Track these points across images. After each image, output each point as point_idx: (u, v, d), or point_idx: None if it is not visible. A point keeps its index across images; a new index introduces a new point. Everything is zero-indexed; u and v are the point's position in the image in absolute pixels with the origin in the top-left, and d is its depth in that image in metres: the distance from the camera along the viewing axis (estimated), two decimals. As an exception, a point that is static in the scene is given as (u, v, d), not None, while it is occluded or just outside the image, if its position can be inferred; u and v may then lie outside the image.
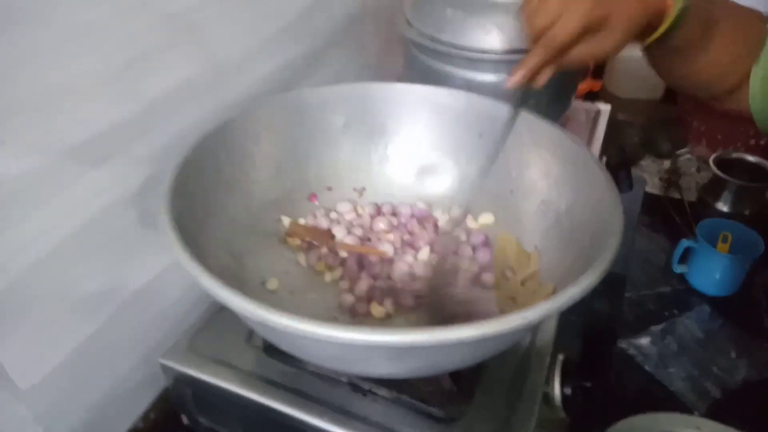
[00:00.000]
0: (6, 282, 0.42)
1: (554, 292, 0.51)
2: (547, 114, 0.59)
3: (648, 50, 0.51)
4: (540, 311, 0.36)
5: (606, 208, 0.46)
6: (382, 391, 0.50)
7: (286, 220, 0.61)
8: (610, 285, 0.79)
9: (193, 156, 0.50)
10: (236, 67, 0.61)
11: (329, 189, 0.65)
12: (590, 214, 0.49)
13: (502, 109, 0.54)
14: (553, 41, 0.44)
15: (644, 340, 0.77)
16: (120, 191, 0.50)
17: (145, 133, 0.51)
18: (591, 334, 0.69)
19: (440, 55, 0.71)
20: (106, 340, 0.52)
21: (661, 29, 0.46)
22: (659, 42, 0.48)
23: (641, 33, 0.48)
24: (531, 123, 0.57)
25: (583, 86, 1.33)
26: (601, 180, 0.49)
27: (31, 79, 0.40)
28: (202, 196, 0.50)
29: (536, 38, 0.46)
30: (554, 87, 0.72)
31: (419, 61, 0.74)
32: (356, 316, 0.53)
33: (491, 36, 0.67)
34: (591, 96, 1.35)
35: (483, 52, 0.67)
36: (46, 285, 0.45)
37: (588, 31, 0.44)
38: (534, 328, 0.56)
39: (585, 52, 0.45)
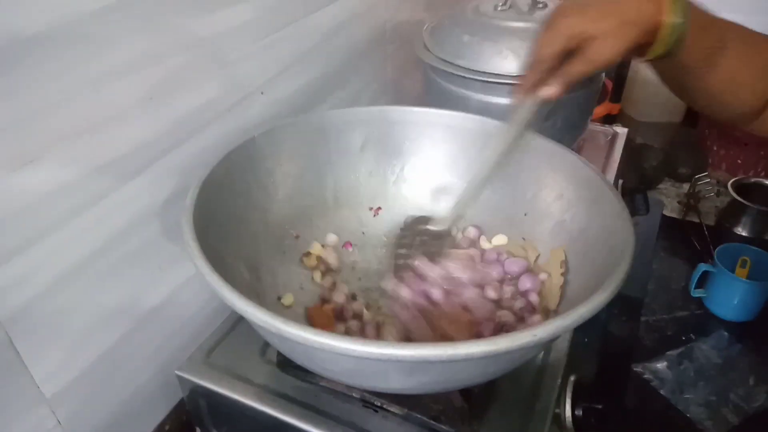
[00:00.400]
0: (34, 292, 0.43)
1: (565, 256, 0.55)
2: (561, 138, 0.60)
3: (654, 66, 0.51)
4: (550, 329, 0.36)
5: (618, 230, 0.46)
6: (394, 408, 0.50)
7: (315, 247, 0.62)
8: (627, 308, 0.78)
9: (216, 173, 0.51)
10: (258, 88, 0.63)
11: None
12: (603, 236, 0.50)
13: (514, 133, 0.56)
14: (540, 60, 0.49)
15: (661, 365, 0.76)
16: (145, 206, 0.52)
17: (170, 151, 0.53)
18: (606, 358, 0.68)
19: (457, 79, 0.73)
20: (125, 350, 0.53)
21: (655, 47, 0.47)
22: (661, 58, 0.48)
23: (638, 49, 0.48)
24: (544, 147, 0.58)
25: (602, 109, 1.33)
26: (613, 203, 0.50)
27: (70, 102, 0.42)
28: (223, 212, 0.52)
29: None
30: (568, 112, 0.74)
31: (437, 85, 0.76)
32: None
33: (506, 60, 0.69)
34: (609, 119, 1.35)
35: (498, 76, 0.69)
36: (72, 296, 0.47)
37: (574, 49, 0.47)
38: (545, 347, 0.56)
39: (577, 67, 0.48)
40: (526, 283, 0.56)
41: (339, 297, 0.57)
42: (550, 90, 0.50)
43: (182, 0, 0.50)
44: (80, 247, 0.47)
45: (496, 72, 0.69)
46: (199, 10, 0.52)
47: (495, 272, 0.58)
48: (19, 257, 0.42)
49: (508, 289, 0.57)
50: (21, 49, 0.38)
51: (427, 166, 0.67)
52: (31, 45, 0.38)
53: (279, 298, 0.56)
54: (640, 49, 0.48)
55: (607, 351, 0.70)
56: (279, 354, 0.54)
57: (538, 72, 0.50)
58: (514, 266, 0.58)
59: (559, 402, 0.52)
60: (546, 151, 0.58)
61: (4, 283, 0.41)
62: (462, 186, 0.60)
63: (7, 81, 0.38)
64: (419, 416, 0.49)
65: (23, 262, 0.42)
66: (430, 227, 0.62)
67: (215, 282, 0.40)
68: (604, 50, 0.46)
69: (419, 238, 0.61)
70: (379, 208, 0.67)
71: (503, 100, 0.71)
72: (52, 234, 0.44)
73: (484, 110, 0.65)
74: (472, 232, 0.64)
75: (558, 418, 0.52)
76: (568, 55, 0.48)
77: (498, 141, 0.55)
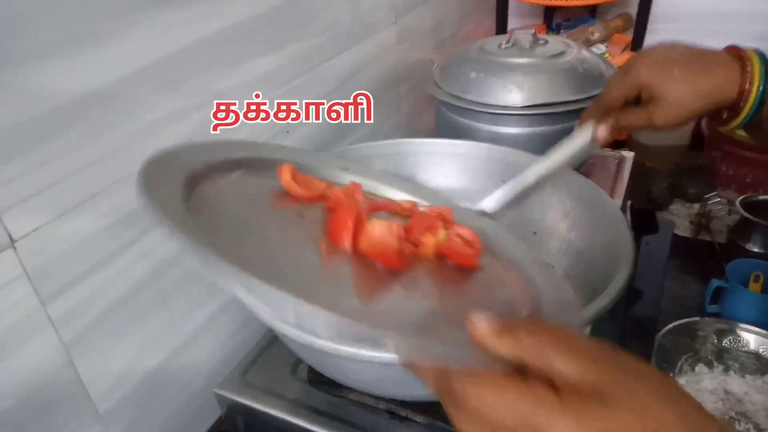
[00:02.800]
0: (91, 318, 0.49)
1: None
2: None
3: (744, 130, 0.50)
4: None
5: (618, 240, 0.50)
6: (419, 418, 0.54)
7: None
8: (641, 327, 0.81)
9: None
10: (284, 128, 0.69)
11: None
12: (606, 249, 0.53)
13: (520, 156, 0.60)
14: (604, 100, 0.50)
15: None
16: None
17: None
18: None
19: (466, 112, 0.78)
20: (169, 371, 0.58)
21: (738, 120, 0.46)
22: (745, 127, 0.47)
23: (717, 117, 0.48)
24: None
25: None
26: (614, 219, 0.54)
27: (115, 153, 0.48)
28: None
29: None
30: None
31: (448, 118, 0.82)
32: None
33: (511, 94, 0.74)
34: (618, 144, 1.39)
35: (504, 108, 0.74)
36: (123, 321, 0.52)
37: (638, 99, 0.48)
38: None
39: (634, 117, 0.49)
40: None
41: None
42: (601, 130, 0.50)
43: (206, 59, 0.55)
44: (128, 278, 0.52)
45: (502, 104, 0.75)
46: (224, 66, 0.58)
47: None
48: (76, 288, 0.47)
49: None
50: (76, 109, 0.44)
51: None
52: (83, 104, 0.44)
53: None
54: (718, 116, 0.47)
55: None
56: (310, 371, 0.58)
57: (599, 108, 0.51)
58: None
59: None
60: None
61: (65, 310, 0.46)
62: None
63: (66, 136, 0.44)
64: (443, 425, 0.53)
65: (81, 292, 0.47)
66: None
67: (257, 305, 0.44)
68: (667, 116, 0.46)
69: None
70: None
71: (511, 130, 0.76)
72: (104, 268, 0.49)
73: (493, 140, 0.71)
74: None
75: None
76: (636, 100, 0.48)
77: (545, 161, 0.54)
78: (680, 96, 0.45)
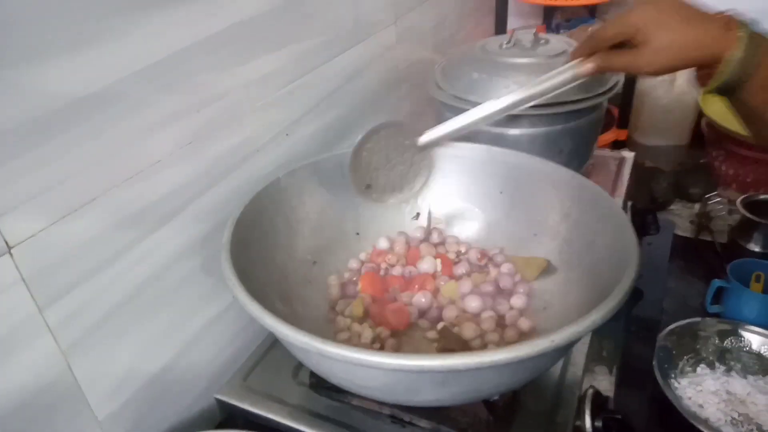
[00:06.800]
0: (90, 323, 0.48)
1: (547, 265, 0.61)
2: (568, 165, 0.63)
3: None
4: (566, 335, 0.40)
5: (623, 242, 0.50)
6: (422, 423, 0.53)
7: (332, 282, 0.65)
8: (644, 328, 0.80)
9: (247, 212, 0.56)
10: (284, 130, 0.68)
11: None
12: (609, 249, 0.53)
13: (520, 157, 0.60)
14: (596, 36, 0.52)
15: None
16: (182, 244, 0.56)
17: (204, 193, 0.58)
18: (626, 376, 0.70)
19: (467, 113, 0.77)
20: (169, 376, 0.57)
21: (713, 80, 0.47)
22: (723, 93, 0.48)
23: (701, 78, 0.49)
24: (551, 171, 0.63)
25: (610, 136, 1.37)
26: (617, 219, 0.53)
27: (117, 152, 0.48)
28: (254, 248, 0.56)
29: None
30: (573, 140, 0.78)
31: (448, 119, 0.81)
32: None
33: (513, 94, 0.73)
34: (618, 145, 1.39)
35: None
36: (122, 326, 0.51)
37: (628, 40, 0.49)
38: (562, 354, 0.58)
39: (619, 60, 0.51)
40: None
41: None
42: (585, 67, 0.54)
43: (207, 59, 0.55)
44: (127, 282, 0.51)
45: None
46: (225, 66, 0.57)
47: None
48: (74, 293, 0.46)
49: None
50: (74, 110, 0.43)
51: (440, 194, 0.71)
52: (81, 106, 0.44)
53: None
54: (702, 78, 0.49)
55: (627, 370, 0.72)
56: (311, 375, 0.57)
57: (587, 47, 0.53)
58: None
59: (580, 414, 0.55)
60: (551, 173, 0.63)
61: (63, 315, 0.45)
62: (482, 216, 0.64)
63: (64, 138, 0.43)
64: (447, 429, 0.52)
65: (79, 297, 0.47)
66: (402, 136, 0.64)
67: (258, 311, 0.43)
68: (651, 60, 0.48)
69: (386, 144, 0.64)
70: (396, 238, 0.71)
71: (512, 131, 0.75)
72: (102, 273, 0.48)
73: (494, 141, 0.70)
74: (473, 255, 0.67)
75: (579, 430, 0.54)
76: (623, 44, 0.50)
77: (527, 87, 0.59)
78: (666, 43, 0.47)
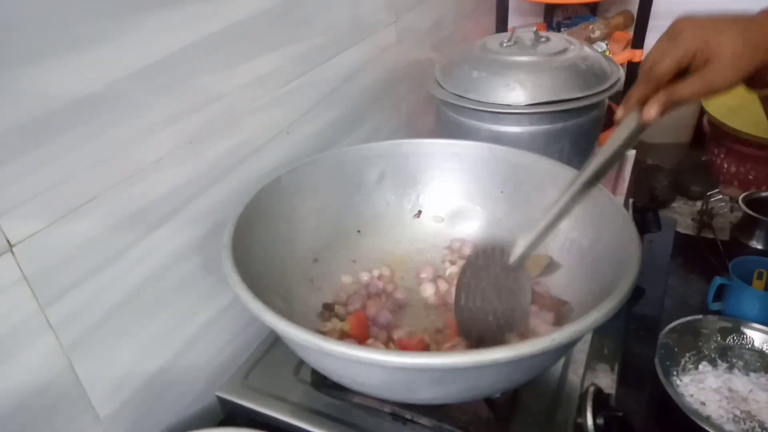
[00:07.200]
0: (91, 322, 0.48)
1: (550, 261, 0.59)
2: (569, 162, 0.64)
3: None
4: (567, 334, 0.39)
5: (625, 240, 0.50)
6: (423, 420, 0.53)
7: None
8: (645, 326, 0.80)
9: (248, 210, 0.56)
10: (284, 129, 0.69)
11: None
12: (611, 247, 0.53)
13: (522, 156, 0.59)
14: (652, 74, 0.47)
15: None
16: (183, 243, 0.57)
17: (204, 192, 0.58)
18: (627, 374, 0.70)
19: (468, 112, 0.77)
20: (170, 374, 0.57)
21: None
22: None
23: (759, 82, 0.47)
24: (553, 169, 0.62)
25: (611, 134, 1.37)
26: (619, 217, 0.53)
27: (118, 153, 0.48)
28: (255, 246, 0.56)
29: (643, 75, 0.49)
30: (574, 138, 0.78)
31: (449, 118, 0.81)
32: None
33: (514, 92, 0.74)
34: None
35: (506, 106, 0.74)
36: (123, 325, 0.51)
37: (690, 67, 0.46)
38: (563, 353, 0.58)
39: (689, 87, 0.46)
40: None
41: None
42: (651, 111, 0.46)
43: (206, 60, 0.55)
44: (128, 281, 0.51)
45: (505, 103, 0.74)
46: (224, 67, 0.57)
47: None
48: (75, 292, 0.46)
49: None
50: (74, 111, 0.43)
51: (441, 193, 0.71)
52: (81, 106, 0.44)
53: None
54: (756, 81, 0.46)
55: (628, 368, 0.72)
56: (313, 373, 0.57)
57: (643, 90, 0.47)
58: None
59: (581, 412, 0.55)
60: (551, 172, 0.62)
61: (65, 314, 0.46)
62: (482, 215, 0.62)
63: (64, 138, 0.43)
64: (448, 426, 0.52)
65: (79, 296, 0.47)
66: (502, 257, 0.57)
67: (259, 309, 0.43)
68: (725, 74, 0.44)
69: (488, 266, 0.58)
70: (398, 241, 0.71)
71: (512, 129, 0.75)
72: (103, 271, 0.49)
73: (495, 139, 0.70)
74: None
75: (580, 428, 0.54)
76: (682, 72, 0.46)
77: (593, 162, 0.51)
78: (736, 50, 0.44)
